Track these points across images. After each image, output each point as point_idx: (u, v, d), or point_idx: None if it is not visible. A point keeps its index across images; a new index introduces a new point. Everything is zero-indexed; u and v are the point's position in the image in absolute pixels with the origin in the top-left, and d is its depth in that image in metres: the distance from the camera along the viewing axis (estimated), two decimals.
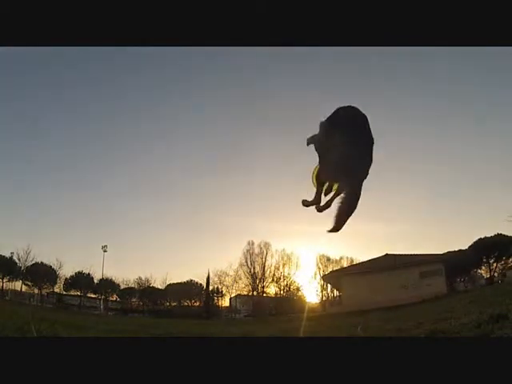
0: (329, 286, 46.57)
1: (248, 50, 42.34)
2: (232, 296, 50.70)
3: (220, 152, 70.85)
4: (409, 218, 64.69)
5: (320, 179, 1.97)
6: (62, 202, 65.07)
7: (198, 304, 51.32)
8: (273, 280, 49.53)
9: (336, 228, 1.79)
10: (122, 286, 51.51)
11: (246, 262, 48.67)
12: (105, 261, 48.31)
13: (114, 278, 50.52)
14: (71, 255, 73.83)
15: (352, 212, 1.77)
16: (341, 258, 51.24)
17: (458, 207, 56.57)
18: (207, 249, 68.66)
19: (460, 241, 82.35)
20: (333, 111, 1.92)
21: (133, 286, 51.64)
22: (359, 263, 39.17)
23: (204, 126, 68.46)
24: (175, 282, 50.62)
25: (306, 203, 2.05)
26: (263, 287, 49.04)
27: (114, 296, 52.37)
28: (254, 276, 48.47)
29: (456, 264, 32.10)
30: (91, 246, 64.65)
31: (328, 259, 51.43)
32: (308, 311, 37.85)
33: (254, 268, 48.64)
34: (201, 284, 50.76)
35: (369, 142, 1.80)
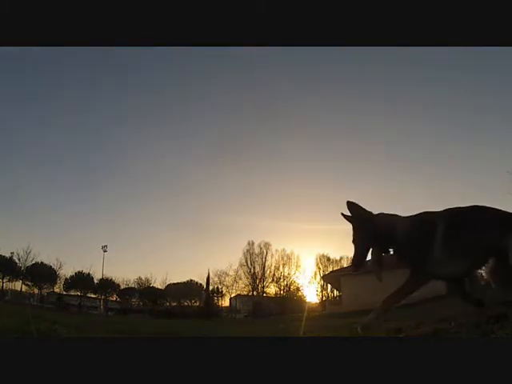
0: (329, 286, 46.57)
1: (248, 50, 42.34)
2: (232, 296, 50.70)
3: (220, 151, 70.93)
4: None
5: None
6: (61, 202, 65.11)
7: (198, 304, 51.28)
8: (273, 280, 49.55)
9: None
10: (122, 286, 51.53)
11: (246, 262, 48.71)
12: (105, 261, 48.44)
13: (114, 278, 50.58)
14: (71, 255, 73.87)
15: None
16: (341, 258, 51.24)
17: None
18: (207, 249, 68.68)
19: None
20: None
21: (133, 286, 51.63)
22: None
23: (204, 125, 68.48)
24: (175, 281, 50.70)
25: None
26: (263, 287, 49.06)
27: (114, 296, 52.35)
28: (253, 276, 48.48)
29: None
30: (91, 246, 64.87)
31: (328, 259, 51.49)
32: (308, 311, 37.82)
33: (254, 268, 48.67)
34: (201, 284, 50.76)
35: None
